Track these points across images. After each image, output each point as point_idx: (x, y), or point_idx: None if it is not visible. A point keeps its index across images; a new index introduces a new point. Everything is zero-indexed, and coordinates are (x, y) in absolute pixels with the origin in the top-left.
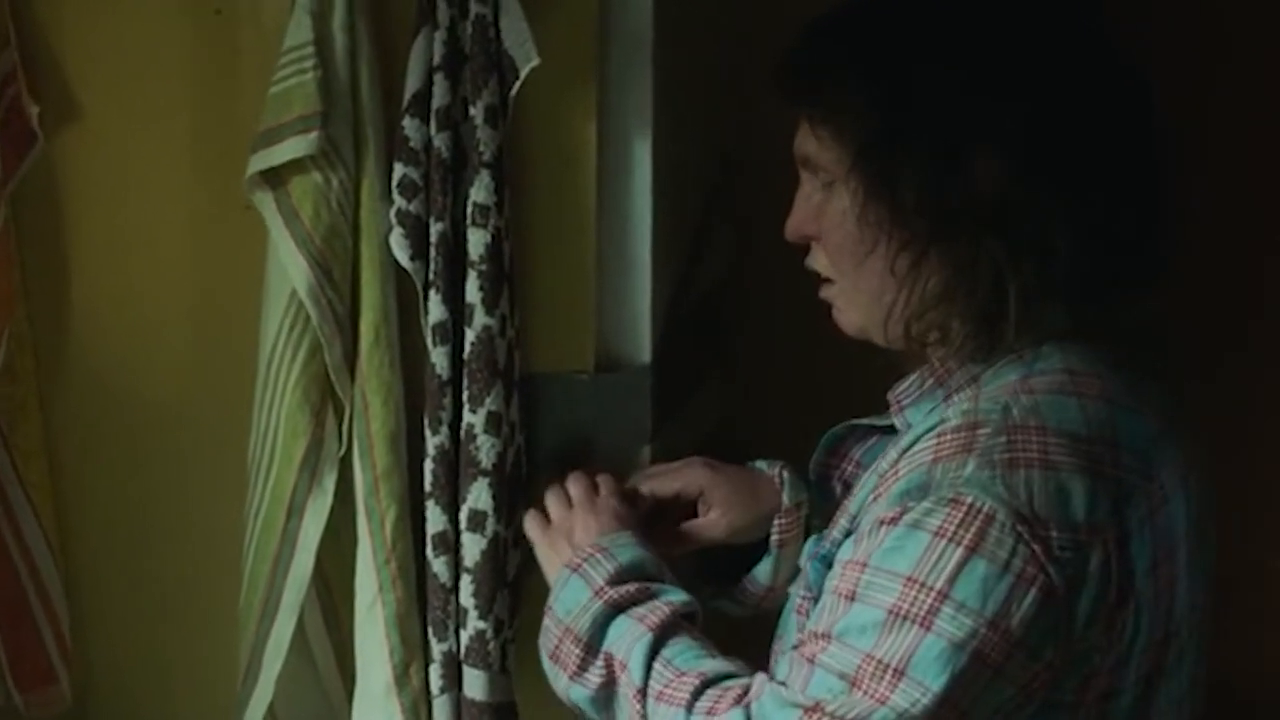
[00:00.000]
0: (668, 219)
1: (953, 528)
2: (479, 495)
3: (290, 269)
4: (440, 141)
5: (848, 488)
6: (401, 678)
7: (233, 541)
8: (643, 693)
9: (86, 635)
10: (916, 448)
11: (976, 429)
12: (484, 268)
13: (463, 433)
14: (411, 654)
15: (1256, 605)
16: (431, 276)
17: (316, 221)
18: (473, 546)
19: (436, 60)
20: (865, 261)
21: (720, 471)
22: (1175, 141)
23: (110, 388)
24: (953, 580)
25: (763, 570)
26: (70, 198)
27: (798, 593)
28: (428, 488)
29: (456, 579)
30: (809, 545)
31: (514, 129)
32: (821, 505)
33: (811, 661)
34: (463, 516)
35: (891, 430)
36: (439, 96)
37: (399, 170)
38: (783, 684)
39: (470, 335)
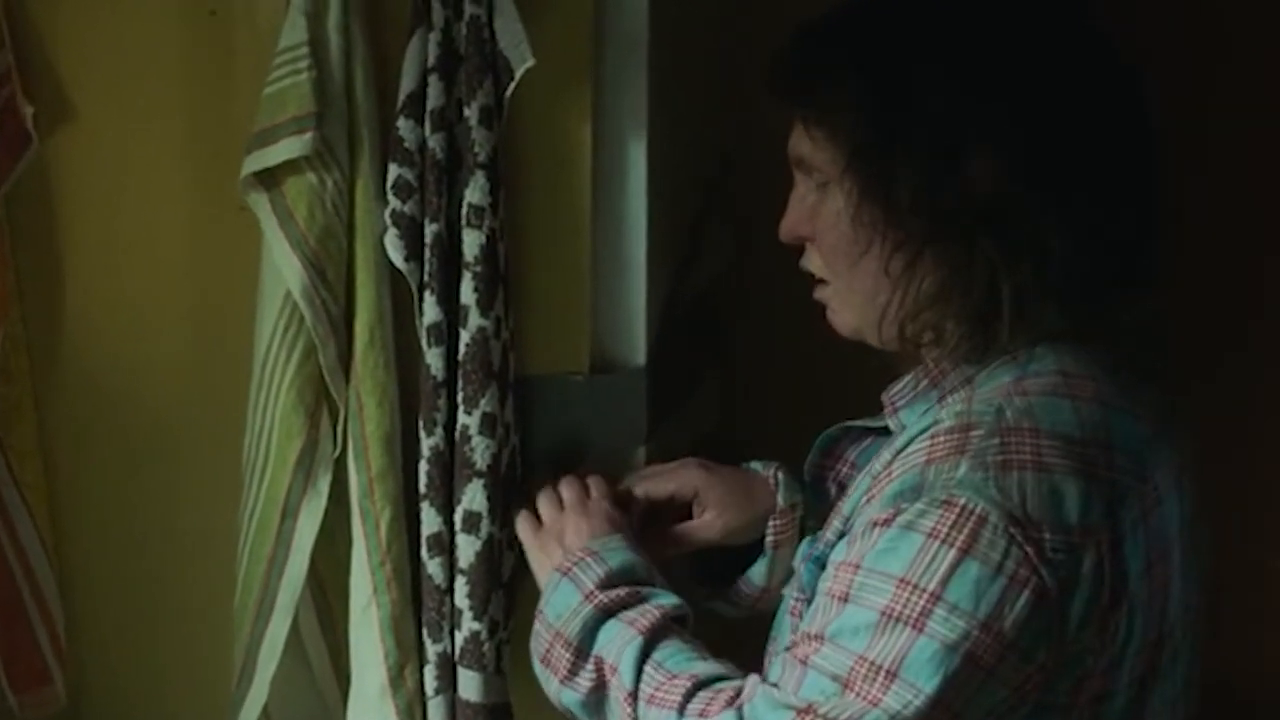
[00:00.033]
0: (663, 220)
1: (945, 529)
2: (474, 497)
3: (285, 270)
4: (435, 142)
5: (842, 489)
6: (396, 679)
7: (227, 542)
8: (634, 696)
9: (81, 636)
10: (910, 449)
11: (970, 431)
12: (479, 269)
13: (458, 434)
14: (406, 655)
15: (1256, 605)
16: (426, 278)
17: (311, 222)
18: (468, 548)
19: (431, 61)
20: (859, 262)
21: (715, 473)
22: (1173, 142)
23: (105, 388)
24: (945, 582)
25: (757, 572)
26: (65, 199)
27: (792, 594)
28: (422, 489)
29: (451, 580)
30: (803, 547)
31: (509, 130)
32: (816, 506)
33: (804, 663)
34: (458, 518)
35: (886, 432)
36: (434, 97)
37: (394, 171)
38: (775, 685)
39: (465, 336)
